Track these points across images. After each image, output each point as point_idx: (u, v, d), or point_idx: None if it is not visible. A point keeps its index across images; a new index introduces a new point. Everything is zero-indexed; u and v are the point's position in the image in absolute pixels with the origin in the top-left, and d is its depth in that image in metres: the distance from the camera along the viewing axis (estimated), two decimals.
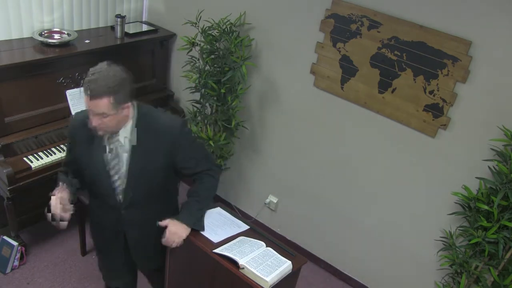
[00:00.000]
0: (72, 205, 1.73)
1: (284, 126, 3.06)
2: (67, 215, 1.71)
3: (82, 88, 1.62)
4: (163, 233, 1.87)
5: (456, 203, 2.44)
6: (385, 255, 2.87)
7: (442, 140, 2.45)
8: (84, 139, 1.77)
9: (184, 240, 1.85)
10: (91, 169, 1.79)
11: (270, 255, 1.83)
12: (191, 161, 1.87)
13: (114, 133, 1.73)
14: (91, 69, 1.61)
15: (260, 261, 1.78)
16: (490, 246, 2.21)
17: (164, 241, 1.85)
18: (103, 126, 1.65)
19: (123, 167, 1.78)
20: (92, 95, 1.57)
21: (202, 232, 1.91)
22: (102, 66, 1.62)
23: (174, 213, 1.97)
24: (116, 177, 1.79)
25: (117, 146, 1.76)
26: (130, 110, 1.71)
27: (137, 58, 3.30)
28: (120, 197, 1.83)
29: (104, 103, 1.58)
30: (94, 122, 1.63)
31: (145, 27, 3.43)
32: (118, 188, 1.82)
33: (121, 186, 1.81)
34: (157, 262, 2.11)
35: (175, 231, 1.83)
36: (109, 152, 1.76)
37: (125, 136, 1.75)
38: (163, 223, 1.84)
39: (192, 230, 1.88)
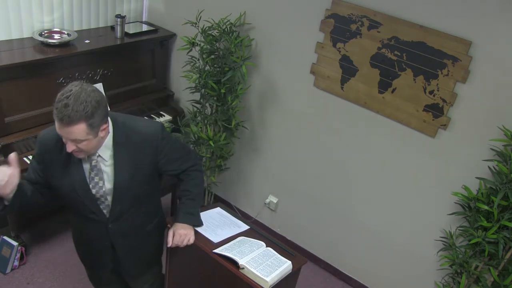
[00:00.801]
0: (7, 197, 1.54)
1: (284, 126, 3.06)
2: (3, 188, 1.51)
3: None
4: (155, 236, 1.91)
5: (456, 203, 2.44)
6: (385, 255, 2.87)
7: (442, 140, 2.45)
8: (57, 160, 1.65)
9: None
10: (70, 190, 1.68)
11: (270, 255, 1.83)
12: (177, 162, 1.85)
13: (95, 151, 1.64)
14: (61, 92, 1.47)
15: (260, 261, 1.78)
16: (490, 246, 2.21)
17: (174, 244, 1.84)
18: (79, 151, 1.55)
19: (106, 183, 1.70)
20: (65, 123, 1.44)
21: (202, 232, 1.91)
22: (73, 89, 1.47)
23: (159, 212, 1.98)
24: (98, 195, 1.71)
25: (99, 162, 1.67)
26: (107, 131, 1.61)
27: (137, 58, 3.30)
28: (106, 211, 1.76)
29: (78, 130, 1.47)
30: (69, 148, 1.53)
31: (145, 27, 3.43)
32: (103, 204, 1.74)
33: (106, 201, 1.73)
34: (155, 264, 2.11)
35: (185, 233, 1.85)
36: (92, 170, 1.66)
37: (106, 152, 1.66)
38: (169, 240, 1.84)
39: (196, 232, 1.90)
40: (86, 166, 1.67)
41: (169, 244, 1.84)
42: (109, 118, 1.63)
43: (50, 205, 1.79)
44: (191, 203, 1.92)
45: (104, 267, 1.99)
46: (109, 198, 1.72)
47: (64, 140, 1.53)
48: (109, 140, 1.65)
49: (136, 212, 1.83)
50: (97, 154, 1.65)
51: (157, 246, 2.04)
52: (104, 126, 1.56)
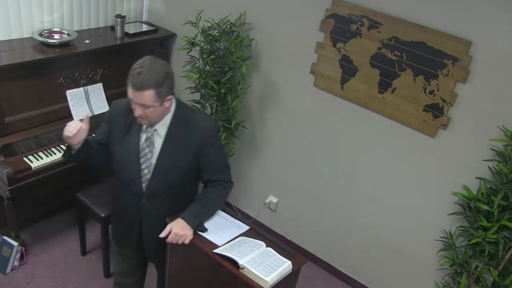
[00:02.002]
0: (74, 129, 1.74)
1: (284, 126, 3.06)
2: (72, 138, 1.74)
3: (129, 79, 1.65)
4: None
5: (456, 203, 2.44)
6: (385, 255, 2.87)
7: (442, 140, 2.45)
8: (122, 127, 1.86)
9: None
10: (123, 155, 1.86)
11: (270, 255, 1.83)
12: (212, 168, 1.93)
13: (155, 123, 1.81)
14: (136, 62, 1.68)
15: (260, 261, 1.78)
16: (490, 246, 2.21)
17: (168, 240, 1.86)
18: (145, 116, 1.73)
19: (153, 157, 1.85)
20: (137, 88, 1.64)
21: (204, 235, 1.90)
22: (147, 60, 1.68)
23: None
24: (144, 166, 1.86)
25: (154, 136, 1.84)
26: (171, 103, 1.79)
27: (137, 58, 3.21)
28: (144, 185, 1.89)
29: (147, 95, 1.65)
30: (137, 112, 1.71)
31: (145, 27, 3.43)
32: (144, 177, 1.87)
33: (147, 175, 1.87)
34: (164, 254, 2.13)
35: (181, 233, 1.84)
36: (145, 141, 1.84)
37: (163, 129, 1.83)
38: (164, 233, 1.85)
39: (195, 232, 1.89)
40: (142, 137, 1.85)
41: (161, 235, 1.84)
42: (174, 98, 1.82)
43: (107, 168, 2.01)
44: (202, 208, 1.93)
45: (130, 243, 2.08)
46: (151, 173, 1.86)
47: (133, 105, 1.72)
48: (168, 118, 1.82)
49: (169, 199, 1.93)
50: (154, 128, 1.82)
51: None
52: (169, 97, 1.74)
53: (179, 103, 1.86)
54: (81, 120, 1.79)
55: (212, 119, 2.90)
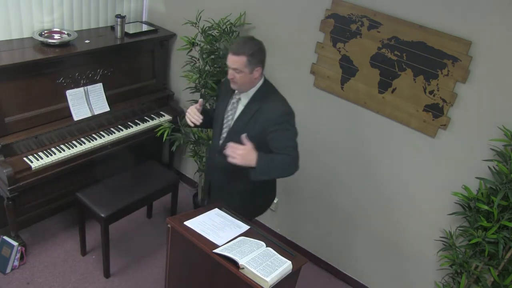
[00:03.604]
0: (198, 118, 2.16)
1: None
2: (193, 120, 2.16)
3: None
4: (238, 201, 2.21)
5: (456, 203, 2.44)
6: (385, 255, 2.87)
7: (442, 140, 2.45)
8: (224, 92, 2.24)
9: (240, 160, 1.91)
10: (217, 114, 2.25)
11: (270, 255, 1.83)
12: (277, 144, 2.04)
13: (243, 91, 2.10)
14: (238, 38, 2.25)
15: (260, 261, 1.78)
16: (490, 246, 2.21)
17: (228, 147, 1.92)
18: (235, 80, 2.03)
19: (232, 121, 2.16)
20: (233, 52, 1.98)
21: (205, 235, 1.90)
22: (248, 36, 2.13)
23: (253, 184, 2.05)
24: (225, 125, 2.19)
25: (238, 102, 2.15)
26: (259, 76, 2.07)
27: (137, 58, 3.30)
28: (221, 142, 2.20)
29: (240, 60, 1.97)
30: (229, 75, 2.03)
31: (145, 27, 3.43)
32: (222, 135, 2.20)
33: (224, 134, 2.20)
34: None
35: (242, 153, 1.90)
36: (231, 105, 2.17)
37: (246, 98, 2.11)
38: (246, 140, 1.95)
39: (196, 232, 1.88)
40: (230, 102, 2.18)
41: (243, 136, 1.96)
42: (264, 78, 2.12)
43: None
44: (271, 158, 1.97)
45: (204, 191, 2.38)
46: (227, 133, 2.18)
47: (229, 70, 2.03)
48: (252, 91, 2.10)
49: (237, 168, 1.99)
50: (239, 97, 2.13)
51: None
52: (258, 69, 2.03)
53: (266, 83, 2.13)
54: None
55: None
